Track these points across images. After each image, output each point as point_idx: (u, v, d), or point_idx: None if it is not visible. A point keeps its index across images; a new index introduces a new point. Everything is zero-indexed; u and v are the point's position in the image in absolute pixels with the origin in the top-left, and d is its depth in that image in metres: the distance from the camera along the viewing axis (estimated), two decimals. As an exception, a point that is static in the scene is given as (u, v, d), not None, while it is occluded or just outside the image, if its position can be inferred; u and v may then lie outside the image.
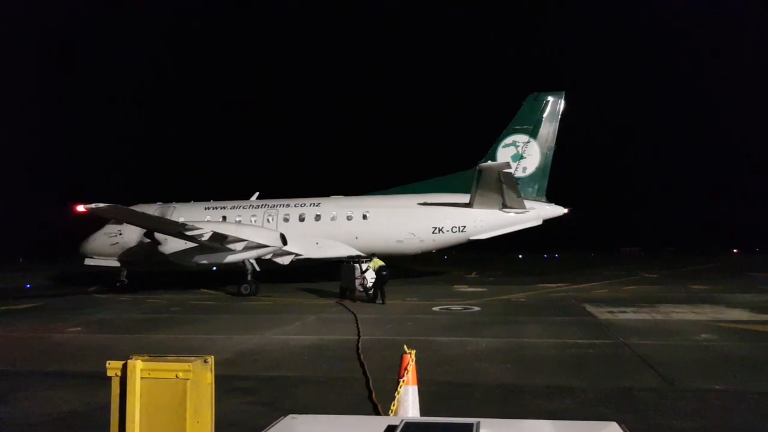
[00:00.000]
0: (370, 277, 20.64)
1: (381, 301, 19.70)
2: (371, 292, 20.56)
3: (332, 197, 27.98)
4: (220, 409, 4.15)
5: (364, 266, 21.26)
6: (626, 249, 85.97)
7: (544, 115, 26.10)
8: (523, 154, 26.06)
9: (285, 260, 26.17)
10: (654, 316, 15.55)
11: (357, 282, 21.14)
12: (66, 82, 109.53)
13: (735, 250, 71.88)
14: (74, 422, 7.39)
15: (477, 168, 23.58)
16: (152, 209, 26.44)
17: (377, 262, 20.63)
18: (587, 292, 23.09)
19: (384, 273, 20.22)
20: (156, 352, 4.16)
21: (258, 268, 25.21)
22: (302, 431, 2.99)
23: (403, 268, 34.25)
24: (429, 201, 25.97)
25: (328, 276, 31.56)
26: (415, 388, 5.96)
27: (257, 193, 29.01)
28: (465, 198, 25.11)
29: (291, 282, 29.23)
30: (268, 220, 26.50)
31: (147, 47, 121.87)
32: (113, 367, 3.80)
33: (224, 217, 26.65)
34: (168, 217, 24.92)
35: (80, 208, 19.72)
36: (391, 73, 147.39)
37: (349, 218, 26.27)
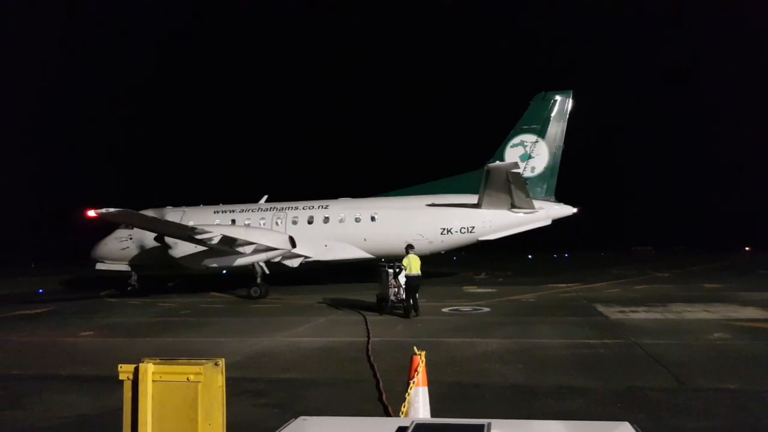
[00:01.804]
0: (404, 282, 16.92)
1: (414, 314, 16.51)
2: (404, 303, 16.86)
3: (340, 199, 28.03)
4: (231, 412, 4.17)
5: (398, 270, 17.36)
6: (637, 248, 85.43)
7: (552, 115, 26.01)
8: (531, 153, 25.97)
9: (294, 263, 26.24)
10: (666, 316, 15.44)
11: (391, 291, 17.59)
12: (77, 87, 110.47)
13: (747, 248, 71.20)
14: (87, 425, 7.45)
15: (485, 168, 23.51)
16: (161, 213, 26.60)
17: (413, 263, 16.63)
18: (598, 291, 22.96)
19: (413, 278, 16.54)
20: (167, 355, 4.18)
21: (267, 271, 25.30)
22: (313, 433, 3.00)
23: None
24: (437, 202, 25.93)
25: (337, 278, 31.63)
26: (426, 389, 5.97)
27: (266, 196, 29.10)
28: (473, 199, 25.05)
29: (300, 284, 29.30)
30: (276, 223, 26.59)
31: (157, 51, 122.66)
32: (125, 371, 3.83)
33: (233, 221, 26.77)
34: (177, 221, 25.08)
35: (91, 213, 19.86)
36: (397, 74, 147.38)
37: (357, 220, 26.30)
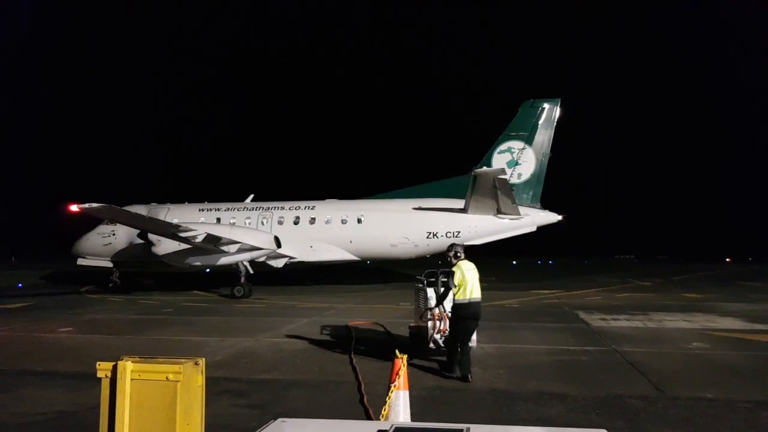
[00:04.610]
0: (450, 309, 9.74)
1: (463, 374, 9.12)
2: (449, 347, 9.68)
3: (327, 201, 27.98)
4: (210, 412, 4.15)
5: (444, 287, 9.94)
6: (620, 256, 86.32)
7: (540, 122, 26.19)
8: (518, 160, 26.12)
9: (279, 263, 26.12)
10: (646, 324, 15.59)
11: (431, 327, 10.31)
12: (61, 81, 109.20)
13: (728, 259, 72.17)
14: (63, 423, 7.35)
15: (472, 174, 23.59)
16: (146, 210, 26.36)
17: (467, 276, 9.48)
18: (580, 298, 23.13)
19: (470, 307, 9.35)
20: (147, 353, 4.14)
21: (251, 271, 25.16)
22: (292, 435, 2.99)
23: (397, 272, 34.25)
24: (424, 206, 25.98)
25: (321, 280, 31.54)
26: (407, 392, 5.98)
27: (252, 195, 28.96)
28: (460, 203, 25.13)
29: (284, 285, 29.17)
30: (262, 223, 26.45)
31: (144, 47, 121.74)
32: (103, 368, 3.79)
33: (218, 219, 26.59)
34: (162, 218, 24.86)
35: (74, 207, 19.62)
36: (387, 78, 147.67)
37: (343, 222, 26.25)
